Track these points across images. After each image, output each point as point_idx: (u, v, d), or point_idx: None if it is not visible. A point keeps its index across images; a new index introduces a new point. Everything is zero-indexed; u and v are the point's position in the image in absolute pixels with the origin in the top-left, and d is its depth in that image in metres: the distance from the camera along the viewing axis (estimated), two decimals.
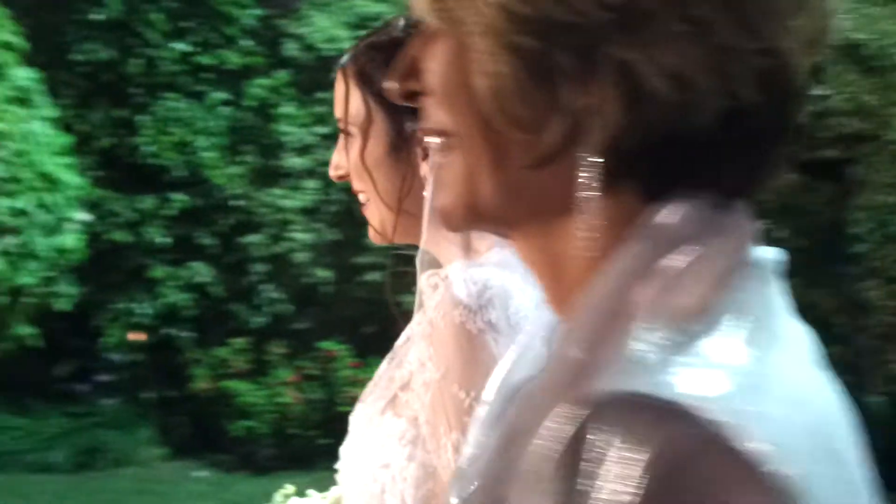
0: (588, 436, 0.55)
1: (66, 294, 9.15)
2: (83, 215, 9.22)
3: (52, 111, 9.07)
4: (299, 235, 10.15)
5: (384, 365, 1.43)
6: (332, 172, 1.47)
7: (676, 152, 0.63)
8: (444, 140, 0.70)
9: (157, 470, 9.64)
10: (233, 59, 10.52)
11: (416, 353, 1.33)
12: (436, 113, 0.70)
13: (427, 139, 0.72)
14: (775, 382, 0.59)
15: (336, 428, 1.89)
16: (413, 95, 0.71)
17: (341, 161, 1.45)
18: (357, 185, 1.44)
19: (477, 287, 1.30)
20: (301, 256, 10.15)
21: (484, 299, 1.29)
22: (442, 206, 0.71)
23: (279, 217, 10.18)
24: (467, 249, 1.36)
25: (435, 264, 1.39)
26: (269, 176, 10.23)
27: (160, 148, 10.22)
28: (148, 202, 10.27)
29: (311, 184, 10.07)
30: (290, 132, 10.22)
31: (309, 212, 10.23)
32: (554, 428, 0.56)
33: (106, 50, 10.24)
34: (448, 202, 0.70)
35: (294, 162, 10.17)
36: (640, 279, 0.61)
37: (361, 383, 1.54)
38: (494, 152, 0.67)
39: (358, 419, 1.41)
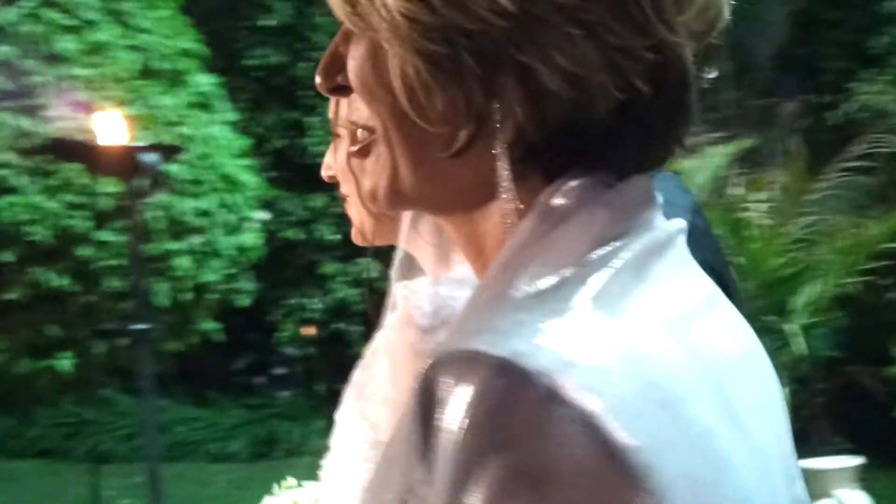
0: (430, 390, 0.59)
1: (246, 290, 9.41)
2: (261, 214, 9.47)
3: (231, 115, 9.33)
4: None
5: (358, 371, 1.43)
6: (324, 173, 1.47)
7: (575, 140, 0.67)
8: (368, 131, 0.74)
9: None
10: None
11: (380, 367, 1.34)
12: (359, 105, 0.74)
13: (355, 129, 0.77)
14: (622, 339, 0.61)
15: None
16: (340, 89, 0.74)
17: (332, 162, 1.45)
18: (343, 187, 1.43)
19: (433, 307, 1.28)
20: None
21: (438, 320, 1.27)
22: (367, 190, 0.75)
23: None
24: (439, 259, 1.33)
25: (418, 272, 1.37)
26: None
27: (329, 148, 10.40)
28: (318, 200, 10.47)
29: None
30: None
31: None
32: (413, 384, 0.61)
33: (276, 54, 10.49)
34: (371, 187, 0.74)
35: None
36: (524, 252, 0.66)
37: None
38: (413, 144, 0.70)
39: (338, 418, 1.43)
